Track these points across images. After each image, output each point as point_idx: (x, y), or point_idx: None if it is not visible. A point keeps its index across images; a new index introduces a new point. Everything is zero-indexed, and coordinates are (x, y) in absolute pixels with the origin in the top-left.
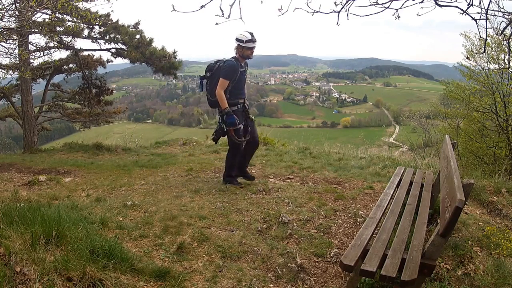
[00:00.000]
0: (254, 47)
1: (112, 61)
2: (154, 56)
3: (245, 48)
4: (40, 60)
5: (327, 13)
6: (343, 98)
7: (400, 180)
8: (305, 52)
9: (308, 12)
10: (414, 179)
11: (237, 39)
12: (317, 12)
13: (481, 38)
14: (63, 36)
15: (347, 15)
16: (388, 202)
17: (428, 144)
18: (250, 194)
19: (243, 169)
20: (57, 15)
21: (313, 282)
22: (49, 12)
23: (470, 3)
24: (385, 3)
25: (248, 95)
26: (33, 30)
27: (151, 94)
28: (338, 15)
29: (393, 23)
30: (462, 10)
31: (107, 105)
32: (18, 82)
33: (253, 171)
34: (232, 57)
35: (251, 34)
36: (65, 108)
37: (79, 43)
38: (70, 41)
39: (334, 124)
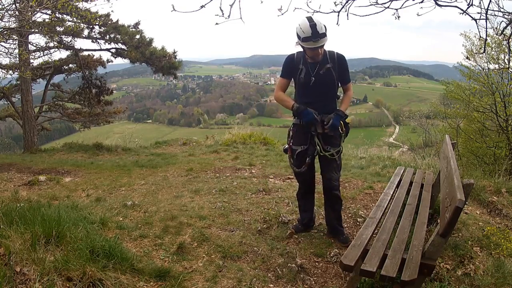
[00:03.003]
0: (318, 47)
1: (112, 61)
2: (154, 56)
3: (305, 48)
4: (40, 60)
5: (327, 13)
6: None
7: (400, 180)
8: None
9: (308, 12)
10: (414, 179)
11: (296, 32)
12: (317, 12)
13: (481, 38)
14: (63, 36)
15: (347, 15)
16: (388, 202)
17: (428, 144)
18: (250, 194)
19: (310, 216)
20: (57, 15)
21: (313, 282)
22: (49, 12)
23: (470, 3)
24: (385, 3)
25: (248, 95)
26: (33, 30)
27: (151, 94)
28: (338, 15)
29: (393, 23)
30: (462, 10)
31: (107, 105)
32: (18, 82)
33: (253, 171)
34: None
35: (313, 26)
36: (65, 108)
37: (79, 43)
38: (70, 41)
39: None
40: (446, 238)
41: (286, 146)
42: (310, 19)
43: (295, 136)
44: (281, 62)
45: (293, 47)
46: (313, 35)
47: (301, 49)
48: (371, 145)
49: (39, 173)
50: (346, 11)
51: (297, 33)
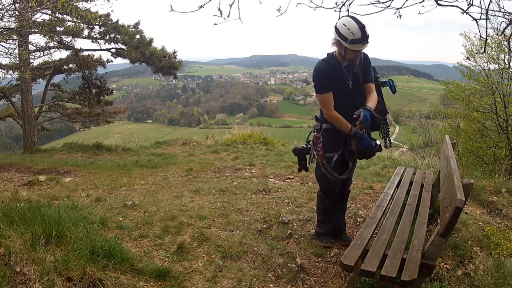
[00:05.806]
0: (362, 50)
1: (112, 61)
2: (154, 56)
3: (348, 50)
4: (40, 60)
5: (329, 8)
6: None
7: (400, 180)
8: (305, 52)
9: (310, 7)
10: (414, 179)
11: (337, 32)
12: (320, 7)
13: (481, 38)
14: (63, 36)
15: (348, 12)
16: (388, 202)
17: (428, 144)
18: (250, 194)
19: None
20: (57, 15)
21: (313, 282)
22: (49, 12)
23: (471, 3)
24: (385, 2)
25: (248, 95)
26: (33, 30)
27: (151, 94)
28: (340, 11)
29: (393, 23)
30: (462, 10)
31: (107, 105)
32: (18, 82)
33: (253, 171)
34: (328, 54)
35: (362, 28)
36: (65, 108)
37: (79, 43)
38: (70, 41)
39: None
40: (446, 238)
41: (299, 148)
42: (357, 20)
43: (330, 142)
44: (282, 62)
45: (293, 48)
46: (363, 37)
47: (329, 51)
48: None
49: (39, 173)
50: (346, 10)
51: (342, 35)
